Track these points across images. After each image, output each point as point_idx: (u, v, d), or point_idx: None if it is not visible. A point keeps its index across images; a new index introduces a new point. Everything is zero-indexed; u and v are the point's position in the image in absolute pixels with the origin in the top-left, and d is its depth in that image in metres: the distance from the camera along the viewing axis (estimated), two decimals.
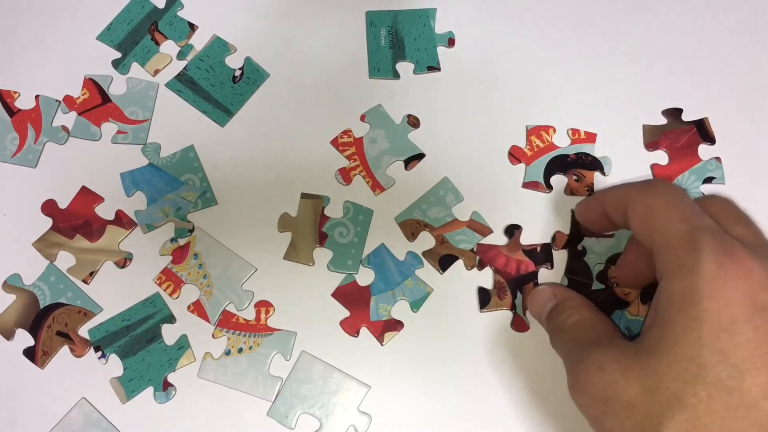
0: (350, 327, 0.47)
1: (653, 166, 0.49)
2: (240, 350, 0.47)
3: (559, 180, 0.49)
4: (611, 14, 0.53)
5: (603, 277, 0.46)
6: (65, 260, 0.48)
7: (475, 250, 0.48)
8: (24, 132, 0.51)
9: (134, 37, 0.53)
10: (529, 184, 0.49)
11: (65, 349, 0.47)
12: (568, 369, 0.36)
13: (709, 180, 0.49)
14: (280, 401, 0.46)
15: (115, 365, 0.47)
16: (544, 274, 0.47)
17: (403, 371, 0.46)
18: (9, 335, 0.47)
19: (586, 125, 0.50)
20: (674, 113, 0.51)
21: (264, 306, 0.47)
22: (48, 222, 0.49)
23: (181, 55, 0.53)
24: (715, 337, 0.29)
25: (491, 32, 0.53)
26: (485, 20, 0.53)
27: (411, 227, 0.48)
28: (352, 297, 0.47)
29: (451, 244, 0.48)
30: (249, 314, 0.47)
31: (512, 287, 0.47)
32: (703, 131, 0.50)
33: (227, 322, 0.47)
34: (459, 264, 0.48)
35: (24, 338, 0.47)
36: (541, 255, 0.47)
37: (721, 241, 0.32)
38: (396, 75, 0.52)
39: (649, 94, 0.51)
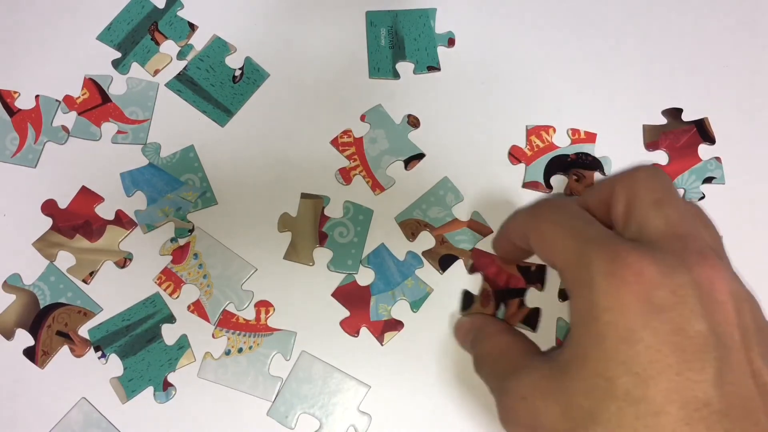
0: (350, 327, 0.47)
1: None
2: (240, 350, 0.47)
3: (559, 180, 0.49)
4: (611, 14, 0.53)
5: None
6: (65, 260, 0.48)
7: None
8: (24, 132, 0.51)
9: (134, 37, 0.53)
10: (529, 184, 0.49)
11: (65, 349, 0.47)
12: (496, 401, 0.36)
13: (709, 180, 0.49)
14: (280, 401, 0.46)
15: (115, 365, 0.47)
16: (533, 294, 0.47)
17: (403, 371, 0.46)
18: (9, 335, 0.47)
19: (586, 125, 0.50)
20: (674, 113, 0.51)
21: (264, 306, 0.47)
22: (48, 222, 0.49)
23: (181, 55, 0.53)
24: (616, 349, 0.29)
25: (491, 32, 0.53)
26: (485, 20, 0.53)
27: (411, 227, 0.48)
28: (352, 297, 0.47)
29: (451, 244, 0.48)
30: (249, 314, 0.47)
31: (498, 298, 0.47)
32: (703, 131, 0.50)
33: (227, 322, 0.47)
34: (459, 264, 0.48)
35: (24, 338, 0.47)
36: (534, 274, 0.47)
37: (610, 247, 0.31)
38: (396, 75, 0.52)
39: (649, 94, 0.51)
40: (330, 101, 0.51)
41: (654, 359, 0.28)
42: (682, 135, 0.50)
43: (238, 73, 0.52)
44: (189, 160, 0.50)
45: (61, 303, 0.48)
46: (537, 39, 0.52)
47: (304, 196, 0.49)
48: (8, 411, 0.46)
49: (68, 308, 0.48)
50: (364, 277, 0.48)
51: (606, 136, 0.50)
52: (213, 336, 0.47)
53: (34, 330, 0.47)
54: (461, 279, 0.47)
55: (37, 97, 0.52)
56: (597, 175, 0.49)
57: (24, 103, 0.52)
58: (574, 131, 0.50)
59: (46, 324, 0.47)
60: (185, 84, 0.52)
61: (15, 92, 0.52)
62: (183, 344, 0.47)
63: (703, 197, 0.49)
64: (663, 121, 0.50)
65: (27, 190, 0.50)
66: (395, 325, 0.47)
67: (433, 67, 0.52)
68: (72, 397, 0.46)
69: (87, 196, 0.50)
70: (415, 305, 0.47)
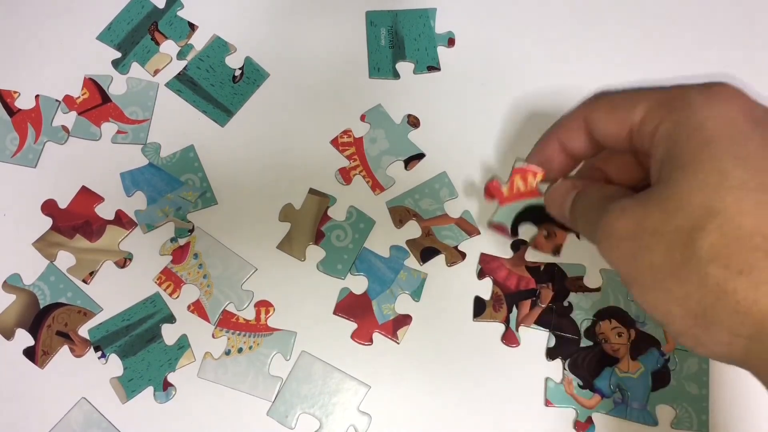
0: (362, 337, 0.47)
1: None
2: (240, 350, 0.47)
3: (526, 229, 0.44)
4: (611, 14, 0.53)
5: (591, 334, 0.46)
6: (65, 260, 0.48)
7: (458, 248, 0.48)
8: (24, 132, 0.51)
9: (134, 37, 0.53)
10: (495, 225, 0.43)
11: (65, 349, 0.47)
12: (596, 230, 0.33)
13: None
14: (280, 401, 0.46)
15: (115, 365, 0.47)
16: (545, 293, 0.47)
17: (402, 371, 0.46)
18: (9, 335, 0.47)
19: None
20: None
21: (264, 306, 0.47)
22: (48, 222, 0.49)
23: (181, 55, 0.53)
24: (727, 149, 0.28)
25: (491, 32, 0.53)
26: (485, 20, 0.53)
27: (400, 214, 0.49)
28: (353, 308, 0.47)
29: (435, 238, 0.48)
30: (249, 314, 0.47)
31: (509, 302, 0.47)
32: None
33: (227, 322, 0.47)
34: (440, 258, 0.48)
35: (24, 338, 0.47)
36: (544, 274, 0.47)
37: (702, 84, 0.31)
38: (396, 75, 0.52)
39: None
40: (330, 101, 0.51)
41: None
42: None
43: (238, 73, 0.52)
44: (189, 160, 0.50)
45: (61, 303, 0.48)
46: (537, 39, 0.52)
47: (312, 191, 0.49)
48: (8, 411, 0.46)
49: (68, 308, 0.48)
50: (358, 284, 0.48)
51: None
52: (213, 336, 0.47)
53: (34, 330, 0.47)
54: (442, 268, 0.48)
55: (37, 97, 0.52)
56: (569, 237, 0.47)
57: (24, 103, 0.52)
58: None
59: (46, 324, 0.47)
60: (185, 84, 0.52)
61: (15, 92, 0.52)
62: (183, 344, 0.47)
63: None
64: None
65: (27, 190, 0.50)
66: (404, 320, 0.47)
67: (433, 67, 0.52)
68: (72, 397, 0.46)
69: (87, 196, 0.50)
70: (416, 294, 0.47)
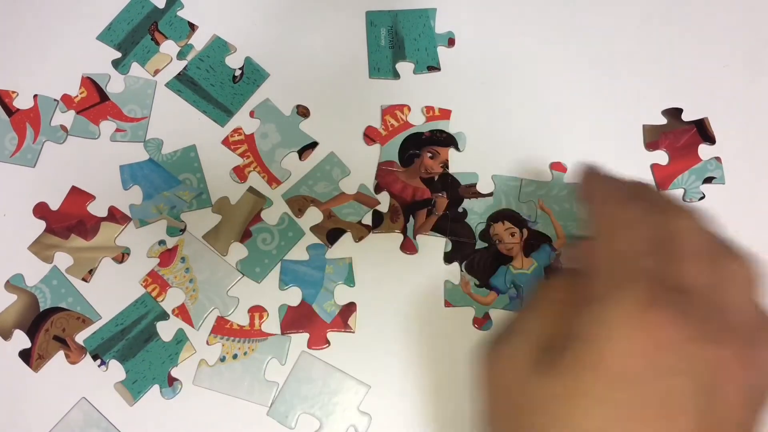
0: (317, 342, 0.46)
1: (653, 166, 0.49)
2: (235, 356, 0.46)
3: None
4: (611, 14, 0.53)
5: (485, 236, 0.48)
6: (63, 261, 0.48)
7: (362, 222, 0.48)
8: (23, 131, 0.51)
9: (134, 37, 0.53)
10: (384, 164, 0.50)
11: (60, 355, 0.46)
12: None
13: (709, 180, 0.49)
14: (280, 401, 0.45)
15: (117, 370, 0.46)
16: (440, 202, 0.48)
17: (403, 371, 0.46)
18: (7, 335, 0.47)
19: (586, 125, 0.50)
20: (674, 113, 0.51)
21: (258, 311, 0.47)
22: (42, 224, 0.49)
23: (181, 55, 0.53)
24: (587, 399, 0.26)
25: (491, 32, 0.53)
26: (485, 20, 0.53)
27: (298, 203, 0.49)
28: (298, 320, 0.47)
29: (338, 218, 0.48)
30: (243, 320, 0.47)
31: (406, 212, 0.48)
32: (703, 131, 0.50)
33: (221, 328, 0.47)
34: (347, 237, 0.48)
35: (21, 340, 0.47)
36: (438, 184, 0.49)
37: (649, 287, 0.27)
38: (396, 75, 0.52)
39: (649, 94, 0.51)
40: (330, 101, 0.51)
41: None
42: (682, 135, 0.50)
43: (238, 73, 0.52)
44: (189, 160, 0.50)
45: (60, 308, 0.47)
46: (537, 39, 0.52)
47: (251, 190, 0.49)
48: (8, 411, 0.46)
49: (68, 313, 0.47)
50: (293, 297, 0.47)
51: (605, 136, 0.50)
52: (207, 343, 0.46)
53: (31, 332, 0.47)
54: (350, 251, 0.48)
55: (35, 96, 0.51)
56: (452, 152, 0.50)
57: (22, 102, 0.52)
58: (429, 108, 0.51)
59: (44, 327, 0.47)
60: (185, 84, 0.52)
61: (13, 92, 0.52)
62: (181, 338, 0.46)
63: (703, 197, 0.49)
64: (663, 121, 0.50)
65: (27, 189, 0.50)
66: (348, 309, 0.47)
67: (433, 67, 0.52)
68: (72, 397, 0.46)
69: (78, 196, 0.49)
70: (349, 281, 0.47)
